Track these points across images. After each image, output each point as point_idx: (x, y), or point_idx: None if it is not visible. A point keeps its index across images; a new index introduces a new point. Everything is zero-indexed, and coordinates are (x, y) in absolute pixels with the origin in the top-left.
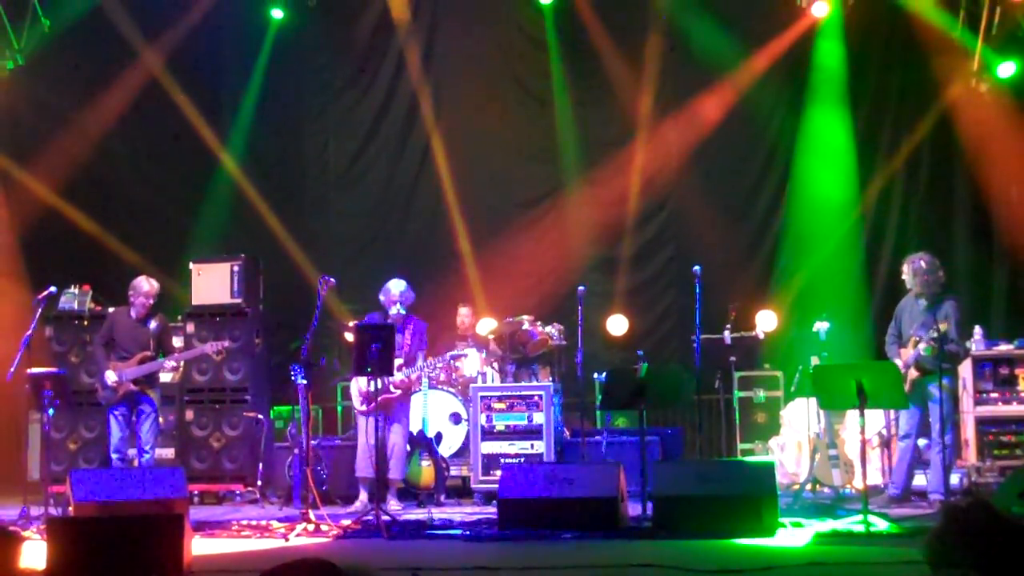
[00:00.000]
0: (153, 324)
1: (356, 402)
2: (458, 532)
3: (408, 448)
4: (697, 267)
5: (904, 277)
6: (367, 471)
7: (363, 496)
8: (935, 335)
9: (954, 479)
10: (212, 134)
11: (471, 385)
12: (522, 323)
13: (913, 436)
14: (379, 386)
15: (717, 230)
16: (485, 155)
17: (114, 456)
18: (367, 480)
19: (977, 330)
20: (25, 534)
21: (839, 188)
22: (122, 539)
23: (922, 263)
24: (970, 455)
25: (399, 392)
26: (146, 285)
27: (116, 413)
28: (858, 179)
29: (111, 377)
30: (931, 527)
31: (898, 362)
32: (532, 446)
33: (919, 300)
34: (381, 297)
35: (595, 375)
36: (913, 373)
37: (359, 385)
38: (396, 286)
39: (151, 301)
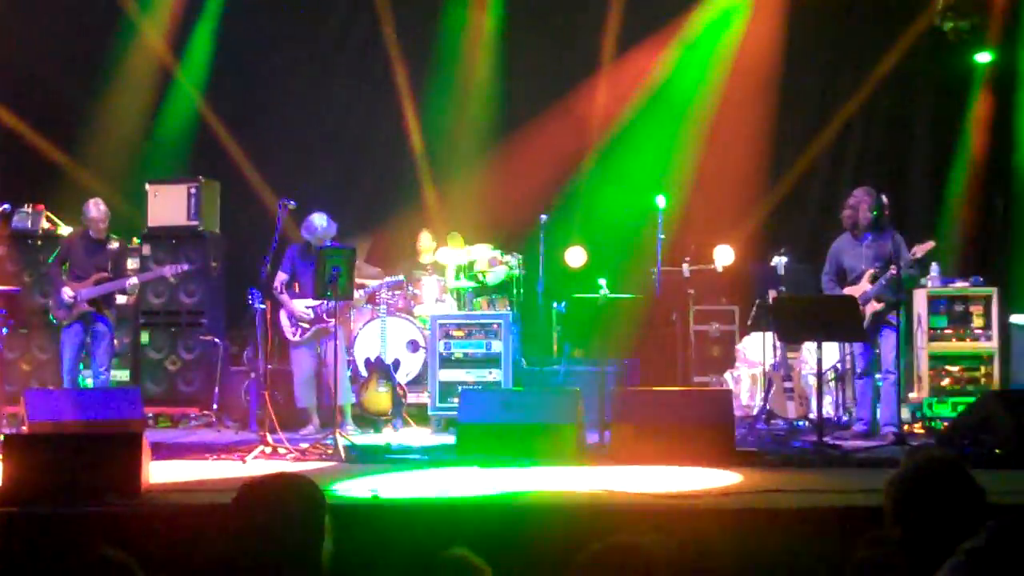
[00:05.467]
0: (113, 245)
1: (288, 332)
2: (416, 456)
3: (365, 374)
4: (661, 197)
5: (847, 212)
6: (309, 400)
7: (315, 420)
8: (915, 261)
9: (904, 413)
10: (170, 53)
11: (429, 313)
12: (481, 252)
13: (871, 371)
14: (314, 314)
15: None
16: (447, 81)
17: (67, 378)
18: (311, 408)
19: (933, 267)
20: None
21: (799, 122)
22: (79, 457)
23: (875, 196)
24: (923, 391)
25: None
26: (93, 210)
27: (70, 333)
28: (818, 114)
29: (67, 292)
30: (895, 474)
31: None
32: (490, 374)
33: (866, 235)
34: (304, 234)
35: (554, 304)
36: (874, 306)
37: (294, 310)
38: (321, 220)
39: (103, 224)
